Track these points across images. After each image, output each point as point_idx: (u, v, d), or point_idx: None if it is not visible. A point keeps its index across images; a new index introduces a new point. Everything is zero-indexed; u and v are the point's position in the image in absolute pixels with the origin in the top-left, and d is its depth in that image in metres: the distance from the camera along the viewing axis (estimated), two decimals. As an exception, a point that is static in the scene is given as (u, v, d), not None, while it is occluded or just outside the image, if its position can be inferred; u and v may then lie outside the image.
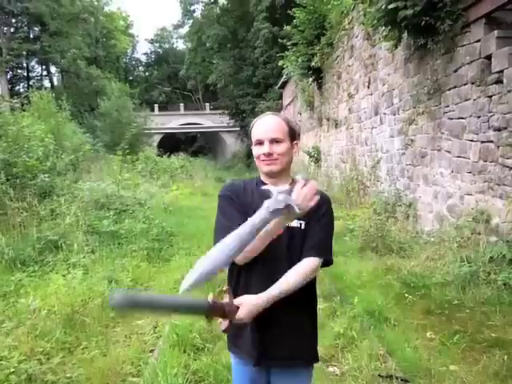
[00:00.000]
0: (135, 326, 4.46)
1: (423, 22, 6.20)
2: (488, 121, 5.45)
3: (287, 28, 14.76)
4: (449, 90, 6.43)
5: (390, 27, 7.19)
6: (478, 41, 5.67)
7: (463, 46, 6.01)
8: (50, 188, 8.69)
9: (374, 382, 3.25)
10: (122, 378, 3.43)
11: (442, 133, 6.67)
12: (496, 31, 5.33)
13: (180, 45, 64.31)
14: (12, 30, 37.35)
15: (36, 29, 38.66)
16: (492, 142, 5.37)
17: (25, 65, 41.64)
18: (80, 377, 3.39)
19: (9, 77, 39.11)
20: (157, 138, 40.09)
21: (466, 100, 5.95)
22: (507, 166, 5.09)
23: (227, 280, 1.98)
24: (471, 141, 5.84)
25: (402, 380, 3.20)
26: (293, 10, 13.92)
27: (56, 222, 7.18)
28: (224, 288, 1.77)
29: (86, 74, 36.25)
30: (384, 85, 9.31)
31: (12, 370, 3.18)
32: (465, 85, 5.98)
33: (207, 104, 51.18)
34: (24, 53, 37.25)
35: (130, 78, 58.73)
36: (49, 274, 5.47)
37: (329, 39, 13.38)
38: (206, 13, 39.82)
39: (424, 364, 3.52)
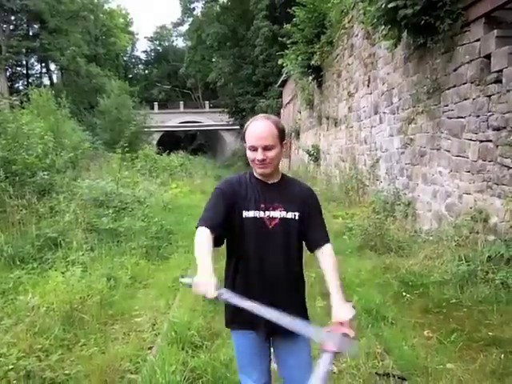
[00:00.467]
0: (134, 324, 4.47)
1: (423, 21, 6.20)
2: (487, 120, 5.45)
3: (287, 26, 14.75)
4: (448, 89, 6.44)
5: (389, 26, 7.20)
6: (478, 40, 5.67)
7: (463, 45, 6.02)
8: (49, 186, 8.69)
9: (372, 380, 3.26)
10: (121, 375, 3.44)
11: (442, 132, 6.68)
12: (495, 30, 5.33)
13: (180, 43, 64.56)
14: (11, 27, 37.29)
15: (35, 26, 38.62)
16: (491, 141, 5.38)
17: (24, 62, 41.64)
18: (78, 374, 3.40)
19: (8, 74, 39.10)
20: (156, 136, 40.10)
21: (466, 99, 5.95)
22: (506, 166, 5.10)
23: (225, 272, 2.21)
24: (470, 140, 5.85)
25: (399, 378, 3.20)
26: (293, 8, 13.91)
27: (55, 220, 7.18)
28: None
29: (86, 71, 36.26)
30: (384, 84, 9.31)
31: (11, 366, 3.19)
32: (464, 84, 5.98)
33: (207, 102, 51.22)
34: (23, 50, 37.21)
35: (130, 75, 58.67)
36: (48, 272, 5.48)
37: (329, 38, 13.37)
38: (205, 11, 39.84)
39: (421, 362, 3.53)
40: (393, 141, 8.82)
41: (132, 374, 3.46)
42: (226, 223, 2.06)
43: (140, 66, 65.76)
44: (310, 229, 2.14)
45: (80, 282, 4.96)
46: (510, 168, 5.05)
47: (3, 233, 6.50)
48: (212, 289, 1.78)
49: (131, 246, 6.87)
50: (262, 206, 2.09)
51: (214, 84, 38.31)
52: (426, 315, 4.49)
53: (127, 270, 5.96)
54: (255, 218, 2.07)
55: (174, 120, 48.75)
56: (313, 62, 13.94)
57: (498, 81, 5.24)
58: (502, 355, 3.51)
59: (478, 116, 5.63)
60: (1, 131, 9.01)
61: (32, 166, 8.39)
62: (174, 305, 4.78)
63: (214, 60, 43.04)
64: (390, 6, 6.33)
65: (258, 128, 2.06)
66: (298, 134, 21.13)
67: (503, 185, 5.17)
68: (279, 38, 16.91)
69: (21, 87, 39.02)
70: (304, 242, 2.19)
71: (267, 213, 2.08)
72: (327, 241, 2.15)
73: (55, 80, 42.35)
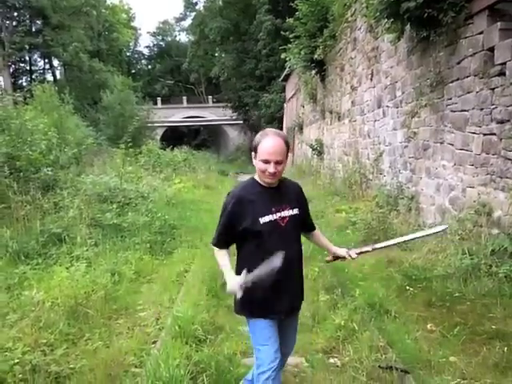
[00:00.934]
0: (138, 318, 4.51)
1: (426, 14, 6.16)
2: (491, 113, 5.43)
3: (290, 20, 14.68)
4: (451, 82, 6.41)
5: (392, 19, 7.16)
6: (481, 33, 5.63)
7: (466, 38, 5.98)
8: (53, 181, 8.73)
9: (374, 373, 3.27)
10: (125, 369, 3.47)
11: (445, 125, 6.65)
12: (499, 23, 5.29)
13: (182, 38, 64.52)
14: (14, 23, 37.30)
15: (38, 22, 38.60)
16: (495, 134, 5.36)
17: (27, 58, 41.55)
18: (83, 368, 3.43)
19: (11, 70, 39.11)
20: (160, 132, 40.09)
21: (469, 92, 5.92)
22: (509, 159, 5.08)
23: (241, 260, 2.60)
24: (474, 133, 5.82)
25: (401, 371, 3.22)
26: (295, 2, 13.82)
27: (59, 216, 7.22)
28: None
29: (89, 67, 36.18)
30: (387, 77, 9.28)
31: (16, 360, 3.22)
32: (468, 77, 5.95)
33: (210, 97, 51.11)
34: (26, 46, 37.19)
35: (133, 71, 58.61)
36: (52, 267, 5.51)
37: (331, 31, 13.30)
38: (208, 5, 39.70)
39: (424, 355, 3.54)
40: (396, 134, 8.79)
41: (136, 368, 3.49)
42: (239, 233, 2.52)
43: (143, 61, 65.64)
44: (306, 218, 2.75)
45: (84, 277, 4.99)
46: (513, 161, 5.03)
47: (8, 228, 6.54)
48: (240, 291, 2.33)
49: (135, 241, 6.90)
50: (273, 209, 2.51)
51: (217, 79, 38.26)
52: (429, 309, 4.50)
53: (131, 264, 5.99)
54: (271, 221, 2.49)
55: (178, 115, 48.70)
56: (316, 56, 13.88)
57: (501, 73, 5.21)
58: (506, 348, 3.51)
59: (482, 109, 5.60)
60: (5, 127, 9.04)
61: (36, 161, 8.42)
62: (178, 299, 4.80)
63: (216, 55, 42.96)
64: (392, -1, 6.30)
65: (272, 144, 2.43)
66: (301, 129, 21.09)
67: (507, 178, 5.15)
68: (282, 32, 16.80)
69: (24, 83, 39.08)
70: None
71: (278, 214, 2.51)
72: (315, 227, 2.90)
73: (58, 76, 42.33)
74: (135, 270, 5.89)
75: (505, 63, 5.13)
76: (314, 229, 2.86)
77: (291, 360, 3.30)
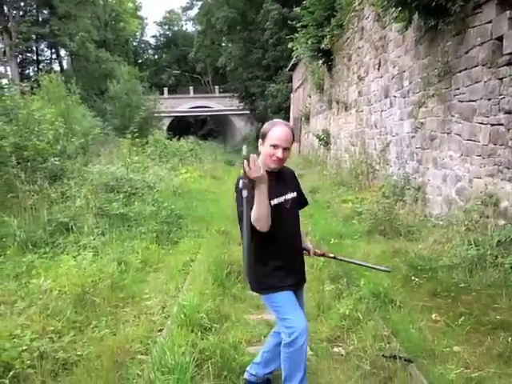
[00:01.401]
0: (144, 307, 4.54)
1: (434, 3, 6.09)
2: (499, 103, 5.38)
3: (297, 9, 14.59)
4: (459, 72, 6.35)
5: (400, 8, 7.08)
6: (490, 22, 5.56)
7: (474, 27, 5.91)
8: (60, 171, 8.79)
9: (378, 362, 3.29)
10: (131, 356, 3.51)
11: (452, 116, 6.61)
12: (508, 12, 5.22)
13: (189, 27, 64.01)
14: (21, 13, 37.23)
15: (45, 12, 38.56)
16: (502, 124, 5.32)
17: (34, 48, 41.60)
18: (90, 354, 3.47)
19: (18, 60, 39.12)
20: (166, 122, 40.15)
21: (477, 82, 5.87)
22: (517, 149, 5.05)
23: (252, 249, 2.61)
24: (481, 124, 5.78)
25: (405, 360, 3.23)
26: (302, -10, 13.74)
27: (66, 205, 7.27)
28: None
29: (96, 57, 36.14)
30: (394, 67, 9.21)
31: (24, 347, 3.26)
32: (476, 67, 5.90)
33: (217, 87, 50.99)
34: (33, 36, 37.17)
35: (140, 61, 58.49)
36: (60, 256, 5.56)
37: (339, 21, 13.18)
38: (215, -6, 39.39)
39: (428, 345, 3.55)
40: (403, 125, 8.75)
41: (142, 355, 3.53)
42: None
43: (149, 51, 65.51)
44: (301, 198, 2.97)
45: (91, 265, 5.03)
46: (521, 152, 5.00)
47: (16, 218, 6.60)
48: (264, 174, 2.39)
49: (141, 230, 6.94)
50: (280, 193, 2.72)
51: (223, 68, 38.10)
52: (434, 299, 4.50)
53: (137, 254, 6.04)
54: (279, 203, 2.70)
55: (184, 105, 48.69)
56: (323, 46, 13.77)
57: (509, 63, 5.16)
58: (510, 339, 3.51)
59: (490, 99, 5.56)
60: (12, 117, 9.09)
61: (43, 151, 8.48)
62: (184, 288, 4.84)
63: (223, 44, 42.82)
64: (400, -13, 6.24)
65: (283, 132, 2.64)
66: (307, 119, 21.00)
67: (514, 169, 5.12)
68: (289, 22, 16.70)
69: (31, 73, 39.11)
70: None
71: (283, 197, 2.74)
72: (307, 202, 3.10)
73: (65, 66, 42.28)
74: (141, 259, 5.93)
75: (513, 52, 5.08)
76: (307, 203, 3.09)
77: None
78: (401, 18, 7.51)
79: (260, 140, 2.70)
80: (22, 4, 37.58)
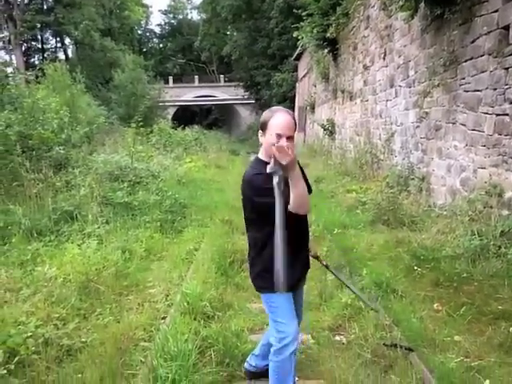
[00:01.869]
0: (148, 295, 4.58)
1: (440, -9, 6.04)
2: (504, 93, 5.34)
3: (302, -2, 14.47)
4: (465, 61, 6.30)
5: (406, -4, 7.02)
6: (496, 11, 5.50)
7: (481, 16, 5.85)
8: (65, 160, 8.83)
9: (379, 351, 3.31)
10: (135, 343, 3.55)
11: (458, 105, 6.56)
12: (515, 0, 5.18)
13: (194, 16, 63.46)
14: (26, 1, 37.13)
15: (50, 0, 38.42)
16: (507, 114, 5.28)
17: (39, 37, 41.61)
18: (94, 341, 3.52)
19: (23, 49, 39.16)
20: (171, 111, 40.08)
21: (483, 72, 5.82)
22: (522, 140, 5.02)
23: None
24: (486, 114, 5.74)
25: (406, 349, 3.25)
26: (308, -21, 13.61)
27: (71, 194, 7.31)
28: None
29: (100, 45, 36.07)
30: (400, 56, 9.14)
31: (29, 334, 3.31)
32: (481, 56, 5.84)
33: (222, 76, 50.79)
34: (38, 24, 37.17)
35: (144, 49, 58.26)
36: (64, 244, 5.62)
37: (344, 9, 13.07)
38: (220, -18, 39.07)
39: (429, 334, 3.57)
40: (408, 115, 8.70)
41: (145, 342, 3.57)
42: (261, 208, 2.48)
43: (154, 39, 65.19)
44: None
45: (96, 254, 5.08)
46: (526, 142, 4.97)
47: (21, 206, 6.65)
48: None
49: (145, 219, 6.97)
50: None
51: (228, 57, 37.87)
52: (436, 289, 4.51)
53: (142, 242, 6.07)
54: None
55: (189, 94, 48.57)
56: (328, 35, 13.66)
57: (516, 52, 5.11)
58: (511, 328, 3.52)
59: (495, 89, 5.51)
60: (17, 106, 9.12)
61: (48, 140, 8.51)
62: (187, 277, 4.87)
63: (228, 33, 42.54)
64: (406, -25, 6.17)
65: (285, 120, 2.45)
66: (312, 108, 20.91)
67: (519, 159, 5.10)
68: (294, 10, 16.57)
69: (36, 62, 39.13)
70: None
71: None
72: (311, 189, 2.83)
73: (70, 54, 42.27)
74: (145, 247, 5.97)
75: (520, 42, 5.03)
76: (311, 191, 2.83)
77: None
78: (407, 7, 7.43)
79: (260, 131, 2.53)
80: (27, -8, 37.47)
